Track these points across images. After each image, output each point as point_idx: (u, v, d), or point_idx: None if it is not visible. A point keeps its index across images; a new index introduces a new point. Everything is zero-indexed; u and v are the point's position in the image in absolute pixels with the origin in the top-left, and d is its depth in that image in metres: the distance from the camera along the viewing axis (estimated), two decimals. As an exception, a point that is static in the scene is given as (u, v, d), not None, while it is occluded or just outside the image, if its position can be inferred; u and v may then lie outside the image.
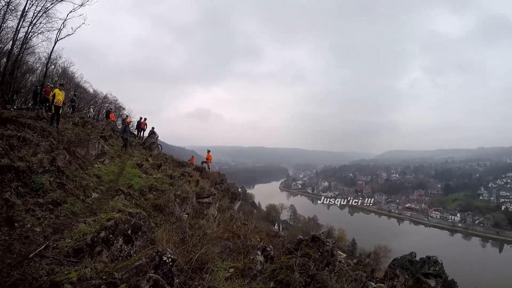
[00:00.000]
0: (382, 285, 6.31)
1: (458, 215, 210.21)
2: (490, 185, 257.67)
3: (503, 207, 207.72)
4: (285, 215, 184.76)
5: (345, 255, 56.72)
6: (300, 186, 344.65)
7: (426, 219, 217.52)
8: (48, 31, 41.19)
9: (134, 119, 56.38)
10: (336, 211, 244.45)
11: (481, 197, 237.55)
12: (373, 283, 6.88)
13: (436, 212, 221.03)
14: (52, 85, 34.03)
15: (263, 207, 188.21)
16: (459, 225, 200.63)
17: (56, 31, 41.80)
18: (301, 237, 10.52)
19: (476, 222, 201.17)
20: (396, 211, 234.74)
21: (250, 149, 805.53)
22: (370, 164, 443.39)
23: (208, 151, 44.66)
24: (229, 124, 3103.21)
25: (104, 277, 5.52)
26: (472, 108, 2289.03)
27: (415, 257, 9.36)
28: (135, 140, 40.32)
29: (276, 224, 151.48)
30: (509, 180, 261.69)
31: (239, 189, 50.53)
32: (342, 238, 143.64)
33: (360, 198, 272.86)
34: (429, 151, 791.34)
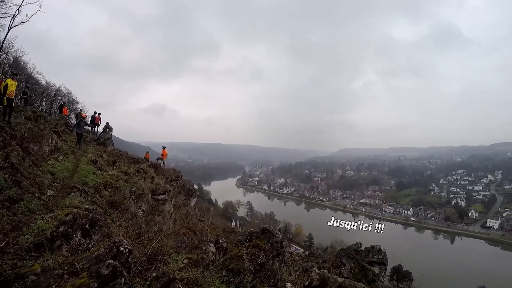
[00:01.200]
0: (325, 270, 6.18)
1: (411, 209, 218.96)
2: (441, 181, 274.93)
3: (453, 202, 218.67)
4: (242, 212, 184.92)
5: (302, 250, 56.69)
6: (256, 182, 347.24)
7: (380, 213, 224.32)
8: (1, 17, 38.49)
9: (89, 113, 54.14)
10: (292, 207, 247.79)
11: (432, 193, 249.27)
12: (316, 269, 6.68)
13: (390, 207, 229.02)
14: (3, 76, 31.75)
15: (220, 204, 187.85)
16: (412, 219, 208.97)
17: (10, 17, 39.03)
18: (252, 229, 10.96)
19: (428, 216, 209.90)
20: (351, 207, 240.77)
21: (206, 146, 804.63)
22: (326, 161, 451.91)
23: (164, 148, 43.54)
24: (186, 121, 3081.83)
25: (66, 267, 5.77)
26: (424, 110, 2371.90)
27: (360, 246, 9.83)
28: (89, 136, 38.70)
29: (233, 221, 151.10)
30: (458, 177, 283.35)
31: (195, 186, 49.95)
32: (299, 234, 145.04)
33: (316, 194, 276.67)
34: (383, 149, 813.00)
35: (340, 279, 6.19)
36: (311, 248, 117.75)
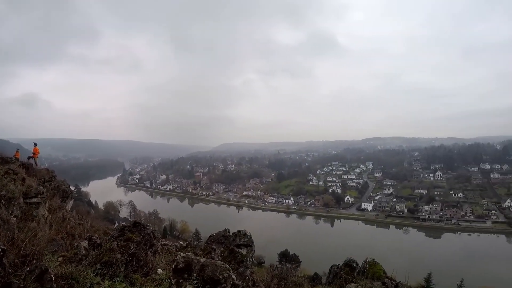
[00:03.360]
0: (189, 253, 5.67)
1: (292, 198, 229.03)
2: (318, 172, 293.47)
3: (330, 190, 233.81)
4: (124, 212, 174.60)
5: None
6: (137, 180, 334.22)
7: (263, 204, 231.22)
8: None
9: None
10: (176, 204, 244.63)
11: (311, 183, 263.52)
12: (181, 253, 5.99)
13: (272, 198, 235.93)
14: None
15: (101, 205, 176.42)
16: (294, 207, 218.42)
17: None
18: (124, 223, 11.59)
19: (308, 203, 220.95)
20: (235, 199, 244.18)
21: (83, 142, 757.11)
22: (207, 156, 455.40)
23: (35, 145, 38.90)
24: (61, 114, 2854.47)
25: None
26: (302, 108, 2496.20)
27: (229, 232, 10.14)
28: None
29: (116, 222, 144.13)
30: (334, 168, 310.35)
31: (72, 187, 45.79)
32: (185, 230, 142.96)
33: (199, 189, 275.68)
34: (263, 143, 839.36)
35: (202, 260, 6.77)
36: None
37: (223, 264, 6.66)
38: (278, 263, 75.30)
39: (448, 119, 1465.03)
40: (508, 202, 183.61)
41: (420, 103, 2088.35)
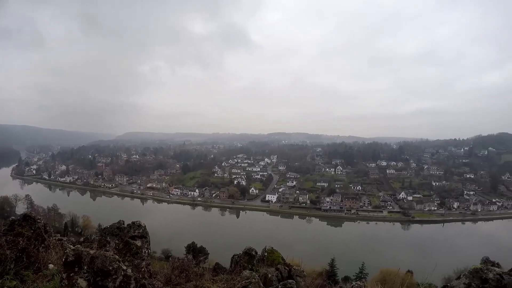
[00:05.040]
0: (79, 246, 6.93)
1: (197, 190, 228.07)
2: (223, 164, 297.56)
3: (235, 182, 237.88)
4: (21, 208, 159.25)
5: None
6: (35, 171, 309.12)
7: (168, 196, 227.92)
8: None
9: None
10: (77, 197, 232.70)
11: (216, 174, 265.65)
12: (72, 246, 7.45)
13: (177, 190, 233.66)
14: None
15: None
16: (199, 199, 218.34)
17: None
18: (13, 217, 10.66)
19: (214, 195, 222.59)
20: (139, 192, 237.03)
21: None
22: (110, 145, 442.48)
23: None
24: None
25: None
26: (210, 99, 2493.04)
27: (123, 223, 9.66)
28: None
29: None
30: (239, 160, 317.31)
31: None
32: (88, 226, 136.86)
33: (101, 181, 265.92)
34: (169, 134, 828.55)
35: (92, 251, 6.60)
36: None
37: (112, 255, 6.70)
38: (185, 255, 76.46)
39: (350, 120, 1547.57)
40: (402, 195, 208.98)
41: (326, 103, 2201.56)
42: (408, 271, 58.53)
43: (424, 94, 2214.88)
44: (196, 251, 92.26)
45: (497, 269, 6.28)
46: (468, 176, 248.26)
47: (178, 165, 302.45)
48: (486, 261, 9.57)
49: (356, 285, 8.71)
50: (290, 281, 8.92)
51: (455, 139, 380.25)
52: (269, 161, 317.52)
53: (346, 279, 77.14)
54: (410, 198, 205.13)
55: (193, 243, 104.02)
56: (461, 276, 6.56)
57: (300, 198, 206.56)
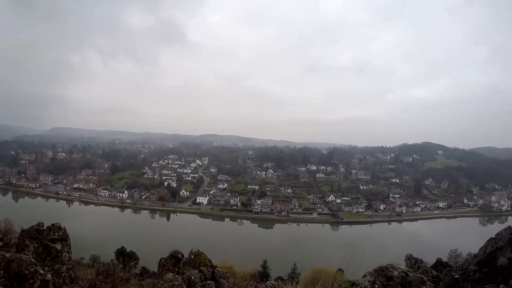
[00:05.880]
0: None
1: (126, 192, 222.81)
2: (154, 165, 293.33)
3: (165, 183, 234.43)
4: None
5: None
6: None
7: (96, 198, 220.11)
8: None
9: None
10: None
11: (146, 175, 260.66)
12: None
13: (105, 191, 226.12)
14: None
15: None
16: (128, 201, 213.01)
17: None
18: None
19: (143, 197, 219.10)
20: (65, 193, 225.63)
21: None
22: (35, 141, 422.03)
23: None
24: None
25: None
26: (143, 97, 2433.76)
27: (43, 226, 9.85)
28: None
29: None
30: (170, 161, 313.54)
31: None
32: (10, 230, 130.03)
33: (24, 181, 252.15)
34: (98, 131, 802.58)
35: (8, 255, 6.79)
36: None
37: (29, 259, 6.71)
38: (111, 260, 74.94)
39: (283, 124, 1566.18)
40: (331, 197, 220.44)
41: (259, 107, 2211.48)
42: (339, 269, 61.44)
43: (355, 103, 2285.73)
44: (126, 256, 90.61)
45: (402, 267, 7.05)
46: (393, 180, 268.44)
47: (106, 165, 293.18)
48: (410, 257, 11.01)
49: (269, 284, 9.81)
50: (209, 282, 9.46)
51: (382, 146, 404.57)
52: (200, 163, 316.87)
53: (280, 279, 79.17)
54: (339, 200, 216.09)
55: (122, 247, 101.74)
56: (366, 274, 7.12)
57: (231, 201, 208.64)
